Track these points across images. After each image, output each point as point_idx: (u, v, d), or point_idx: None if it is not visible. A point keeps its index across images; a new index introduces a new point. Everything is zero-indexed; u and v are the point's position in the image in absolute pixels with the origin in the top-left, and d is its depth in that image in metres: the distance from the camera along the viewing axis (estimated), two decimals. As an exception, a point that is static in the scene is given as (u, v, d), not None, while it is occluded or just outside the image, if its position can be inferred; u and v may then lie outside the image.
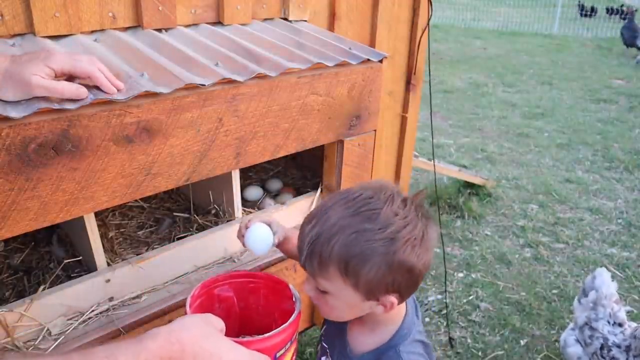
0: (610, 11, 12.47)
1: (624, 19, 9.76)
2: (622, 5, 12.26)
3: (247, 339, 0.85)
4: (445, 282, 2.45)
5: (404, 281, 0.85)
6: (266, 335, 0.87)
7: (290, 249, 1.12)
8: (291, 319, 0.91)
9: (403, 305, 0.97)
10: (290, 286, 1.03)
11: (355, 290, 0.85)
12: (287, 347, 0.92)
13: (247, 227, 1.07)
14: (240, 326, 1.10)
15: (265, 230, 1.05)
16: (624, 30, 8.54)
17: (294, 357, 0.98)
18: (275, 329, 0.89)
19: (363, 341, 0.97)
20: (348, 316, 0.93)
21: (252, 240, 1.04)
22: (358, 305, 0.88)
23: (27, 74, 0.83)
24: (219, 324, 0.79)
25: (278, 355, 0.90)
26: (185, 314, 0.93)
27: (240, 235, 1.10)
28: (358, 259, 0.81)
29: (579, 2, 12.80)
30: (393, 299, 0.87)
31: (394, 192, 0.86)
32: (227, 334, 0.80)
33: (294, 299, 0.99)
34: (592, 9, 12.49)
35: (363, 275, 0.82)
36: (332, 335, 1.04)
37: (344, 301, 0.88)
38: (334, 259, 0.82)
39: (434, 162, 2.40)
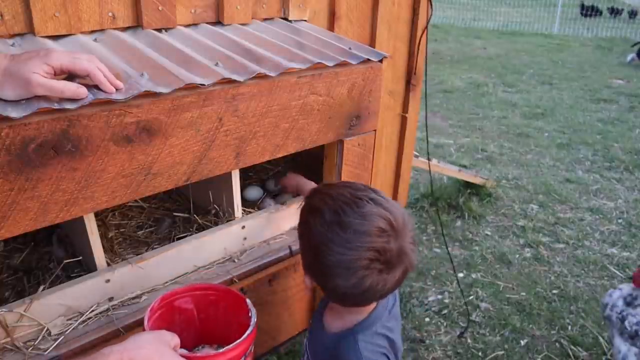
0: (614, 11, 12.47)
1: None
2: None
3: (201, 354, 0.87)
4: (458, 283, 2.45)
5: (318, 280, 0.99)
6: (220, 351, 0.89)
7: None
8: (245, 335, 0.93)
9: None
10: (247, 301, 1.05)
11: (299, 246, 1.06)
12: None
13: None
14: (201, 336, 1.13)
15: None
16: None
17: None
18: (233, 340, 0.91)
19: (332, 323, 1.08)
20: (308, 283, 1.06)
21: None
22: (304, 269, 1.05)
23: (26, 72, 0.83)
24: (173, 340, 0.81)
25: None
26: (143, 327, 0.94)
27: None
28: (305, 226, 1.01)
29: (581, 2, 12.80)
30: (307, 279, 1.02)
31: (381, 223, 0.90)
32: (187, 344, 0.82)
33: (250, 314, 1.01)
34: (593, 9, 12.48)
35: (301, 240, 1.05)
36: (317, 314, 1.18)
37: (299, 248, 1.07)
38: (302, 213, 1.05)
39: (428, 162, 2.40)
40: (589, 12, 12.53)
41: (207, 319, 1.11)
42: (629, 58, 7.85)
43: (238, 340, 0.91)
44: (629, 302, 1.86)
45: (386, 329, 1.03)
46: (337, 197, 0.94)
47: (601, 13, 12.51)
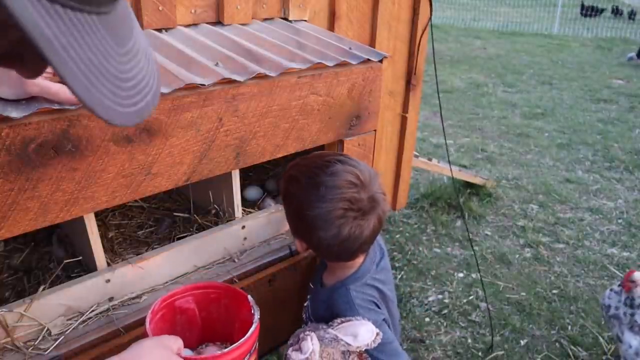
0: (615, 11, 12.47)
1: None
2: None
3: (205, 355, 0.86)
4: (482, 285, 2.45)
5: (305, 238, 1.10)
6: (224, 350, 0.88)
7: None
8: (249, 333, 0.93)
9: (361, 257, 1.16)
10: (249, 297, 1.05)
11: (286, 214, 1.16)
12: (246, 359, 0.93)
13: None
14: (204, 334, 1.12)
15: None
16: None
17: None
18: (236, 337, 0.91)
19: (327, 279, 1.21)
20: (299, 247, 1.17)
21: None
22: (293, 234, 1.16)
23: None
24: (175, 344, 0.80)
25: None
26: (145, 330, 0.94)
27: None
28: (286, 194, 1.12)
29: (582, 2, 12.81)
30: (298, 243, 1.14)
31: (350, 177, 1.02)
32: (191, 344, 0.81)
33: (252, 311, 1.01)
34: (594, 9, 12.47)
35: (285, 207, 1.15)
36: (316, 276, 1.28)
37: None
38: (283, 183, 1.13)
39: (447, 154, 2.40)
40: (589, 12, 12.53)
41: (209, 317, 1.11)
42: (628, 57, 7.87)
43: (243, 339, 0.90)
44: (630, 305, 1.87)
45: (376, 280, 1.15)
46: (309, 164, 1.07)
47: (602, 12, 12.49)
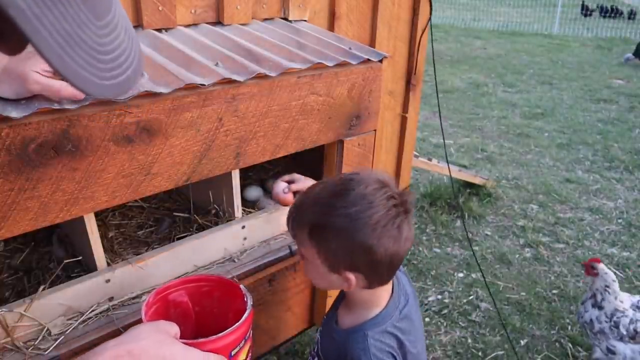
0: (614, 11, 12.47)
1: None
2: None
3: (202, 340, 0.86)
4: (488, 290, 2.45)
5: (363, 262, 0.93)
6: (219, 334, 0.88)
7: None
8: (243, 318, 0.93)
9: (386, 297, 1.04)
10: (241, 286, 1.05)
11: (320, 260, 0.95)
12: (241, 345, 0.93)
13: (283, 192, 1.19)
14: (197, 328, 1.12)
15: (283, 184, 1.20)
16: None
17: (250, 354, 1.00)
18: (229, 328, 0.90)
19: (344, 318, 1.08)
20: (322, 284, 1.04)
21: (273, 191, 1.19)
22: (326, 275, 0.97)
23: (24, 69, 0.83)
24: (172, 329, 0.79)
25: (233, 353, 0.91)
26: (141, 322, 0.93)
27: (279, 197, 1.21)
28: (321, 229, 0.93)
29: (582, 2, 12.82)
30: (352, 276, 0.94)
31: (375, 179, 0.93)
32: (184, 337, 0.81)
33: (245, 299, 1.01)
34: (600, 8, 12.48)
35: (324, 246, 0.93)
36: (332, 309, 1.16)
37: (314, 268, 0.98)
38: (305, 226, 0.95)
39: (445, 155, 2.40)
40: (589, 11, 12.54)
41: (203, 310, 1.11)
42: (625, 57, 7.89)
43: (237, 324, 0.90)
44: (599, 305, 1.90)
45: (397, 329, 1.03)
46: (328, 188, 0.96)
47: (621, 14, 12.48)
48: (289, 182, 1.20)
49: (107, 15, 0.46)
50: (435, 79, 2.12)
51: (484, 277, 2.31)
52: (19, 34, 0.37)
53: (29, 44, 0.39)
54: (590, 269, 1.94)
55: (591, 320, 1.92)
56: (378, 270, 0.95)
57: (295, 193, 1.19)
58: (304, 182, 1.21)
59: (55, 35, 0.39)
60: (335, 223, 0.90)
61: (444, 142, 2.48)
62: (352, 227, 0.89)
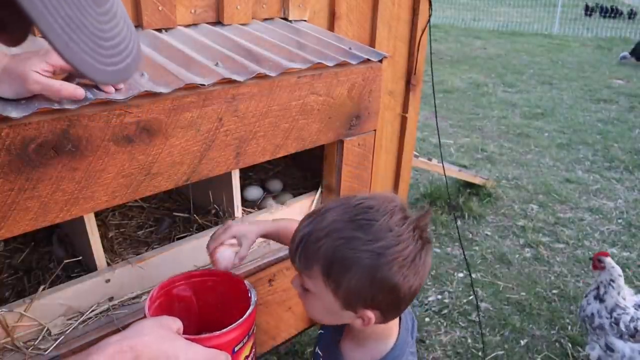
0: (614, 11, 12.47)
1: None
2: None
3: (205, 335, 0.86)
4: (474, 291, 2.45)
5: (385, 300, 0.83)
6: (223, 330, 0.87)
7: (281, 240, 1.16)
8: (246, 314, 0.92)
9: (396, 323, 0.95)
10: (246, 282, 1.04)
11: (335, 296, 0.84)
12: (244, 341, 0.93)
13: (216, 251, 1.09)
14: (200, 324, 1.11)
15: (230, 254, 1.10)
16: None
17: (253, 350, 0.99)
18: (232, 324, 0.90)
19: (354, 354, 0.95)
20: (327, 320, 0.93)
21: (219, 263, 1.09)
22: (337, 312, 0.86)
23: (24, 69, 0.83)
24: (175, 324, 0.79)
25: (236, 349, 0.91)
26: (145, 316, 0.93)
27: (209, 253, 1.10)
28: (341, 265, 0.80)
29: (586, 2, 12.82)
30: (371, 314, 0.84)
31: (397, 207, 0.83)
32: (187, 332, 0.80)
33: (249, 294, 1.00)
34: (602, 9, 12.48)
35: (344, 283, 0.81)
36: (328, 343, 1.02)
37: (324, 304, 0.86)
38: (319, 260, 0.82)
39: (441, 157, 2.40)
40: (591, 11, 12.54)
41: (207, 305, 1.10)
42: (621, 56, 7.90)
43: (240, 320, 0.90)
44: (601, 298, 1.89)
45: (412, 355, 0.96)
46: (345, 218, 0.83)
47: (621, 14, 12.48)
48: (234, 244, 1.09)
49: (106, 2, 0.47)
50: (432, 78, 2.12)
51: (471, 277, 2.31)
52: (22, 23, 0.38)
53: (28, 38, 0.40)
54: (597, 263, 1.93)
55: (592, 314, 1.92)
56: (398, 307, 0.87)
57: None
58: (247, 240, 1.09)
59: (59, 20, 0.40)
60: (359, 259, 0.79)
61: (439, 141, 2.48)
62: (378, 265, 0.79)
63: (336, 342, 0.99)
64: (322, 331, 1.07)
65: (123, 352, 0.67)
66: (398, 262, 0.79)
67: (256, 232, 1.12)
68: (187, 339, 0.79)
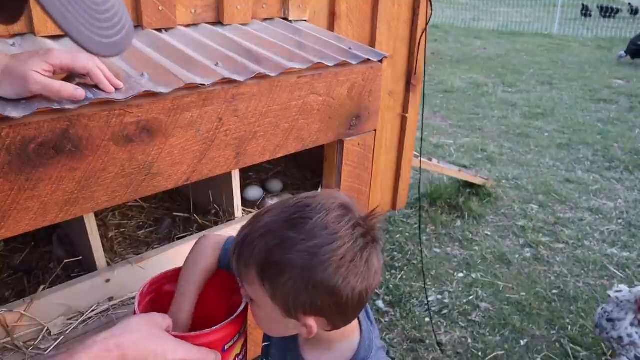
0: (615, 11, 12.47)
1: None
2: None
3: (194, 333, 0.84)
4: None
5: (326, 304, 0.76)
6: (213, 328, 0.86)
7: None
8: (238, 312, 0.91)
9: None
10: (238, 279, 1.03)
11: (274, 303, 0.77)
12: (235, 339, 0.91)
13: None
14: (194, 319, 1.10)
15: None
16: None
17: (244, 349, 0.97)
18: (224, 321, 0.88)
19: (319, 358, 0.89)
20: (275, 332, 0.86)
21: None
22: (281, 321, 0.80)
23: (25, 69, 0.83)
24: (164, 321, 0.78)
25: (227, 347, 0.89)
26: (134, 312, 0.92)
27: None
28: (275, 267, 0.75)
29: (582, 3, 12.82)
30: (312, 322, 0.77)
31: (336, 204, 0.76)
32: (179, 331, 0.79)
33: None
34: (601, 9, 12.48)
35: (279, 287, 0.75)
36: (283, 351, 0.94)
37: (266, 313, 0.80)
38: (253, 263, 0.77)
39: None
40: (587, 12, 12.55)
41: (198, 302, 1.10)
42: (618, 54, 7.93)
43: (230, 318, 0.88)
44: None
45: (379, 339, 0.91)
46: (279, 218, 0.78)
47: (617, 12, 12.45)
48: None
49: None
50: (424, 76, 2.11)
51: (422, 269, 2.30)
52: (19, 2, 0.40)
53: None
54: None
55: (621, 337, 1.90)
56: (344, 312, 0.79)
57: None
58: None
59: None
60: (291, 260, 0.73)
61: (422, 136, 2.48)
62: (312, 265, 0.72)
63: (295, 348, 0.91)
64: (267, 343, 1.00)
65: (109, 351, 0.65)
66: (334, 262, 0.73)
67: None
68: (176, 336, 0.77)
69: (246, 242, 0.78)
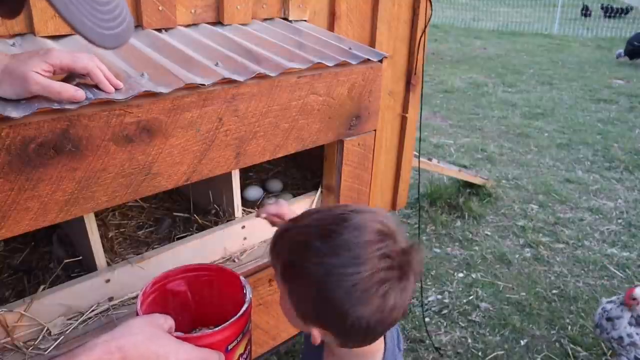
0: (614, 10, 12.44)
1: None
2: None
3: (197, 334, 0.84)
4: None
5: (331, 323, 0.76)
6: (215, 329, 0.86)
7: None
8: (240, 312, 0.91)
9: (381, 338, 0.87)
10: (242, 278, 1.02)
11: (290, 301, 0.79)
12: (238, 339, 0.91)
13: None
14: (196, 318, 1.10)
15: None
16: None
17: (248, 348, 0.98)
18: (228, 320, 0.88)
19: None
20: (292, 324, 0.86)
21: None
22: (296, 317, 0.81)
23: (25, 70, 0.83)
24: (166, 322, 0.77)
25: (230, 347, 0.89)
26: (136, 312, 0.92)
27: None
28: (293, 270, 0.77)
29: (583, 2, 12.81)
30: (316, 332, 0.77)
31: (375, 229, 0.74)
32: (183, 328, 0.79)
33: (244, 291, 0.99)
34: (606, 9, 12.46)
35: (294, 289, 0.78)
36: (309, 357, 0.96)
37: (285, 305, 0.82)
38: (281, 259, 0.80)
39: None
40: (612, 13, 12.47)
41: (202, 300, 1.09)
42: (617, 53, 7.94)
43: (233, 318, 0.89)
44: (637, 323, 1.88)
45: None
46: (317, 223, 0.78)
47: (627, 12, 12.41)
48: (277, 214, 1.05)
49: None
50: (422, 77, 2.11)
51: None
52: None
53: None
54: (631, 301, 1.89)
55: (621, 337, 1.90)
56: (349, 336, 0.77)
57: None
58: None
59: None
60: (307, 269, 0.73)
61: (420, 135, 2.48)
62: (324, 282, 0.71)
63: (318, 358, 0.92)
64: (305, 350, 1.02)
65: (111, 354, 0.65)
66: (344, 287, 0.70)
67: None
68: (178, 337, 0.77)
69: (284, 235, 0.82)
